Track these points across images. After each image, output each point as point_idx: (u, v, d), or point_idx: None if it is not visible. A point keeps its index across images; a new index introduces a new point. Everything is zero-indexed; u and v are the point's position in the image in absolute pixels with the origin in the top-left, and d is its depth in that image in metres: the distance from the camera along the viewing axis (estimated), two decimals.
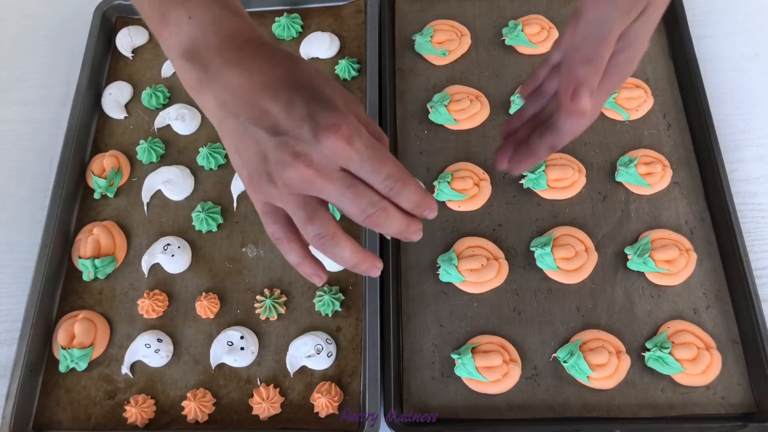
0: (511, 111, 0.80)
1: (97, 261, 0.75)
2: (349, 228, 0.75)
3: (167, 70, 0.89)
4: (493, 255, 0.72)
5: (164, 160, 0.83)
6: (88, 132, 0.85)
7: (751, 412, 0.65)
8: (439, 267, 0.71)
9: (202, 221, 0.76)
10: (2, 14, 1.00)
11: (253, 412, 0.68)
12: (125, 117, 0.86)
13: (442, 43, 0.85)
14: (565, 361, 0.66)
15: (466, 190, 0.75)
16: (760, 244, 0.73)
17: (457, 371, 0.67)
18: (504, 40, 0.85)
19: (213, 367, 0.70)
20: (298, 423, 0.67)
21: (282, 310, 0.72)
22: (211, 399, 0.69)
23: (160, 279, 0.76)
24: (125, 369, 0.71)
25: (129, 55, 0.91)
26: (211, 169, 0.81)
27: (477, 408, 0.66)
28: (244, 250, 0.76)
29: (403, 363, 0.69)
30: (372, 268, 0.45)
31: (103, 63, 0.91)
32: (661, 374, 0.66)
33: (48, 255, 0.74)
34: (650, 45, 0.84)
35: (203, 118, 0.85)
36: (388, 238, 0.50)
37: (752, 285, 0.67)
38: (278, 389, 0.68)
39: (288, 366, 0.69)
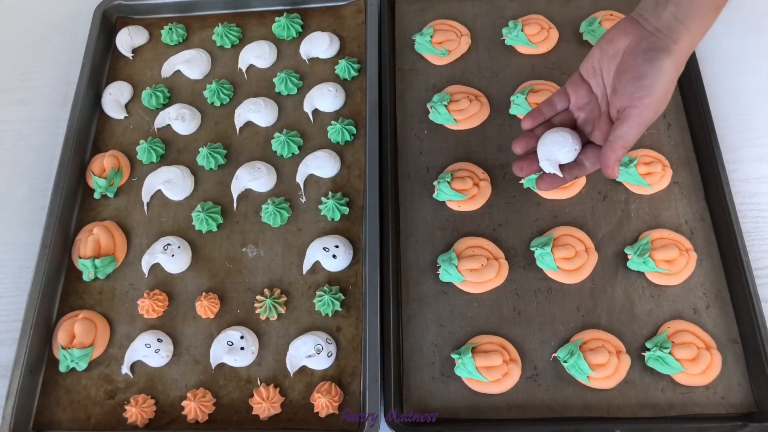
0: (511, 111, 0.80)
1: (97, 261, 0.75)
2: (350, 228, 0.75)
3: (167, 70, 0.89)
4: (493, 255, 0.72)
5: (164, 160, 0.83)
6: (88, 132, 0.85)
7: (751, 412, 0.65)
8: (439, 267, 0.71)
9: (202, 221, 0.76)
10: (2, 14, 1.00)
11: (253, 412, 0.68)
12: (125, 117, 0.86)
13: (442, 43, 0.85)
14: (565, 361, 0.66)
15: (466, 190, 0.75)
16: (760, 244, 0.73)
17: (457, 371, 0.67)
18: (504, 40, 0.85)
19: (213, 367, 0.70)
20: (298, 423, 0.67)
21: (282, 310, 0.72)
22: (211, 399, 0.69)
23: (160, 279, 0.76)
24: (125, 369, 0.71)
25: (129, 55, 0.91)
26: (211, 169, 0.81)
27: (477, 408, 0.66)
28: (244, 250, 0.76)
29: (403, 363, 0.69)
30: None
31: (103, 63, 0.91)
32: (661, 374, 0.66)
33: (48, 255, 0.74)
34: None
35: (203, 118, 0.85)
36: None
37: (752, 285, 0.67)
38: (278, 389, 0.68)
39: (288, 366, 0.69)
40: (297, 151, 0.81)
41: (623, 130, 0.56)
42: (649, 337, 0.68)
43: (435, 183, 0.76)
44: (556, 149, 0.61)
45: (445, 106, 0.79)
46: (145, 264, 0.75)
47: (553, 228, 0.73)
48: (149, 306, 0.72)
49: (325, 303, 0.70)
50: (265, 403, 0.67)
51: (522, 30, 0.84)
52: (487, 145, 0.79)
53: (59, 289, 0.76)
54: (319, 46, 0.87)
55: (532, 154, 0.64)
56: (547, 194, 0.75)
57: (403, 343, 0.70)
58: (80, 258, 0.76)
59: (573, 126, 0.64)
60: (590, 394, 0.66)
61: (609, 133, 0.57)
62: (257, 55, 0.88)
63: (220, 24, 0.89)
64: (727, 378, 0.66)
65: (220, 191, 0.80)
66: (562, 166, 0.63)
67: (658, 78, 0.54)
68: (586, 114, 0.63)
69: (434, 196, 0.76)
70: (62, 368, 0.71)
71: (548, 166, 0.62)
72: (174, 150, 0.83)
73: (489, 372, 0.66)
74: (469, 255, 0.71)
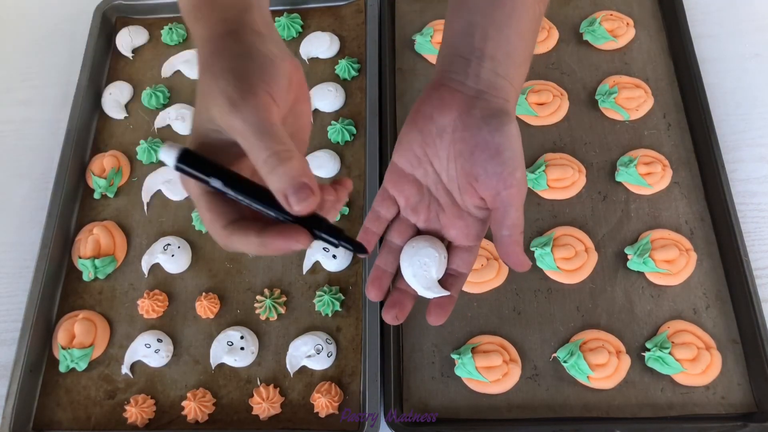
0: None
1: (97, 261, 0.75)
2: (350, 228, 0.75)
3: (167, 70, 0.89)
4: (492, 255, 0.72)
5: None
6: (88, 132, 0.85)
7: (751, 412, 0.65)
8: None
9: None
10: (2, 14, 1.00)
11: (253, 412, 0.68)
12: (125, 117, 0.86)
13: None
14: (565, 361, 0.66)
15: None
16: (760, 244, 0.73)
17: (457, 371, 0.67)
18: None
19: (213, 367, 0.70)
20: (298, 423, 0.67)
21: (282, 310, 0.72)
22: (211, 399, 0.69)
23: (160, 279, 0.76)
24: (125, 369, 0.71)
25: (129, 55, 0.91)
26: None
27: (477, 408, 0.66)
28: None
29: (403, 363, 0.69)
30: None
31: (103, 63, 0.91)
32: (661, 374, 0.66)
33: (48, 255, 0.74)
34: (650, 45, 0.84)
35: None
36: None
37: (752, 285, 0.67)
38: (278, 389, 0.68)
39: (288, 366, 0.69)
40: None
41: (513, 218, 0.45)
42: (649, 337, 0.68)
43: None
44: (427, 268, 0.48)
45: None
46: (145, 264, 0.75)
47: (553, 228, 0.73)
48: (149, 306, 0.72)
49: (325, 303, 0.70)
50: (265, 403, 0.67)
51: None
52: None
53: (59, 289, 0.76)
54: (319, 46, 0.87)
55: (395, 295, 0.49)
56: (547, 194, 0.75)
57: (403, 343, 0.70)
58: (80, 258, 0.76)
59: (415, 233, 0.51)
60: (590, 394, 0.66)
61: (496, 229, 0.46)
62: None
63: None
64: (727, 378, 0.66)
65: None
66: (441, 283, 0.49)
67: (513, 146, 0.45)
68: (424, 214, 0.50)
69: None
70: (62, 368, 0.71)
71: (430, 292, 0.48)
72: None
73: (489, 372, 0.66)
74: None
